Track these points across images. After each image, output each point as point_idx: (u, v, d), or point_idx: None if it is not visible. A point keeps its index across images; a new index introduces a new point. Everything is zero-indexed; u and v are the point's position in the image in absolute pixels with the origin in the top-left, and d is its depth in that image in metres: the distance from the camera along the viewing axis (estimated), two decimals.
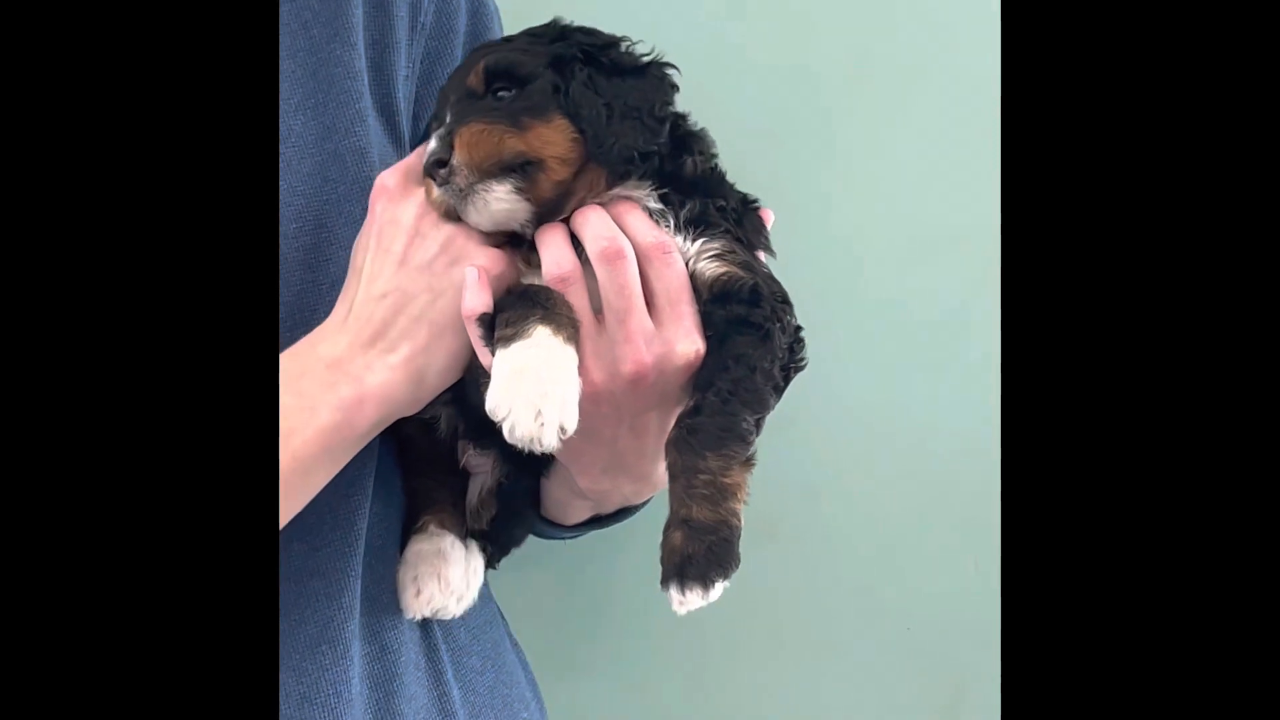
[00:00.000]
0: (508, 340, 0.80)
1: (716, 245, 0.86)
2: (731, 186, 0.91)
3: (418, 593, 0.94)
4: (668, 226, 0.85)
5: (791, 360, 0.87)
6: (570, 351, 0.81)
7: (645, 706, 1.33)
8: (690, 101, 0.92)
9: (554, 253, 0.84)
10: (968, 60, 1.22)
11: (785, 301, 0.87)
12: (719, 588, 0.78)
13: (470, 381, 0.89)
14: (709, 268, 0.85)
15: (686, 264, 0.85)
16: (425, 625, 0.98)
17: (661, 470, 0.85)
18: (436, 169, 0.83)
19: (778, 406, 1.17)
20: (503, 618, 1.10)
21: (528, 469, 1.00)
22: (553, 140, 0.84)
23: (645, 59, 0.89)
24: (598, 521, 1.04)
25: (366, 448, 0.90)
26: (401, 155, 0.97)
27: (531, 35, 0.89)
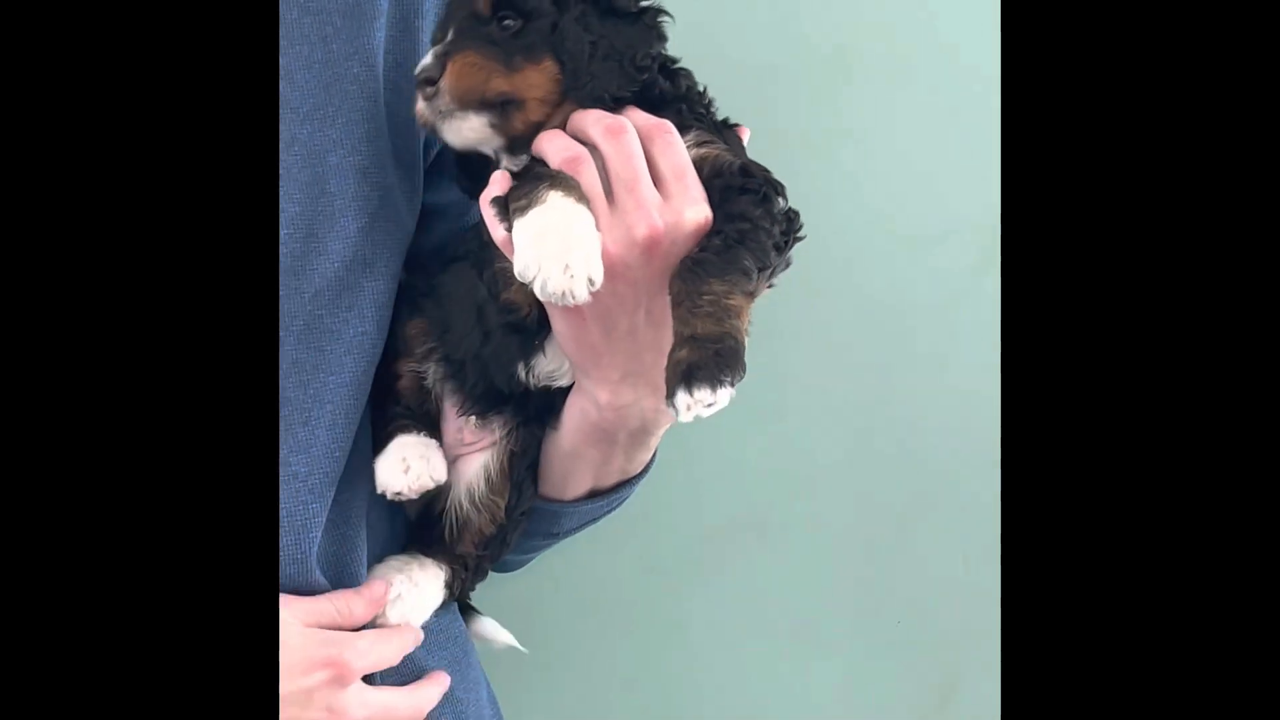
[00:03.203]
0: (523, 210, 0.83)
1: (692, 136, 0.89)
2: (710, 104, 0.93)
3: (406, 469, 0.94)
4: None
5: (790, 229, 0.89)
6: (584, 209, 0.84)
7: (631, 703, 1.34)
8: None
9: (557, 143, 0.87)
10: (966, 49, 1.21)
11: (777, 181, 0.89)
12: (726, 392, 0.76)
13: (472, 339, 0.91)
14: (694, 154, 0.87)
15: None
16: None
17: None
18: (425, 85, 0.86)
19: (765, 401, 1.19)
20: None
21: (538, 419, 1.00)
22: (538, 83, 0.87)
23: (641, 4, 0.91)
24: (594, 499, 1.04)
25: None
26: (414, 180, 0.99)
27: None
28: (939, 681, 1.33)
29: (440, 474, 0.96)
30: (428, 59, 0.87)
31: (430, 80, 0.86)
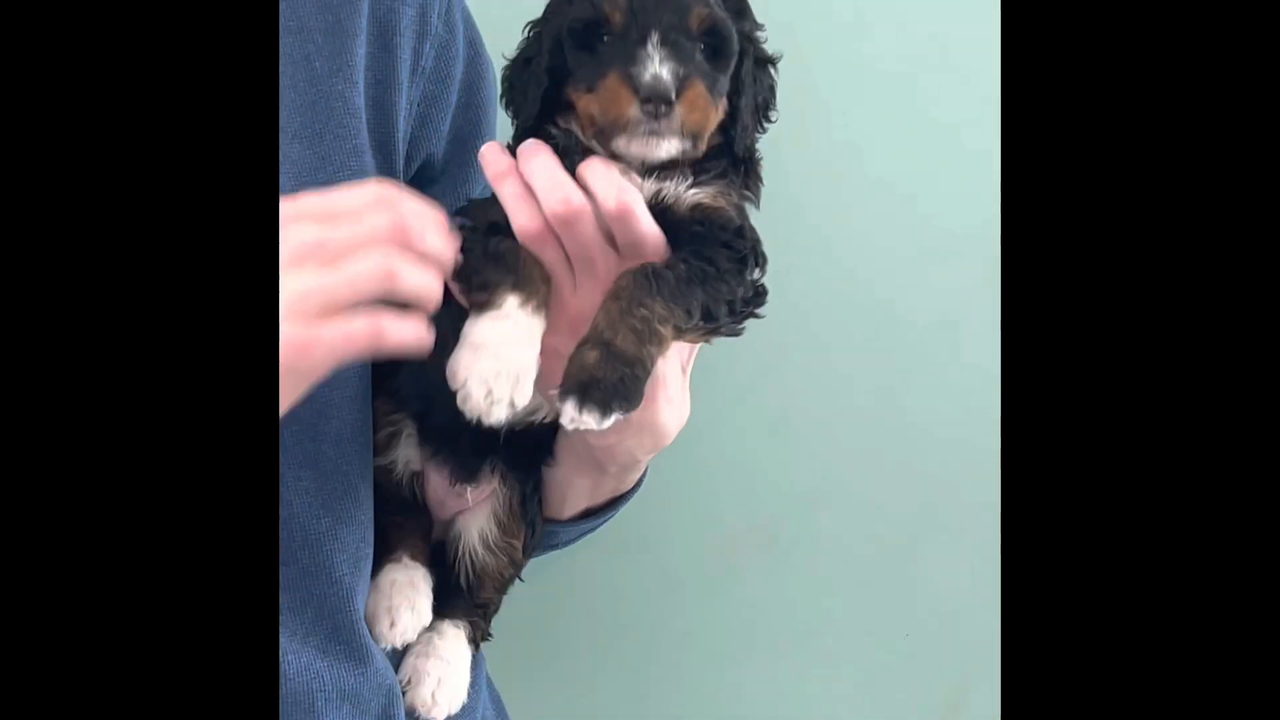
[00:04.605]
0: (479, 308, 0.83)
1: (713, 188, 0.88)
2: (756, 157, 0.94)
3: (392, 624, 0.96)
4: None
5: (753, 299, 0.89)
6: (536, 322, 0.83)
7: (639, 713, 1.35)
8: None
9: (523, 215, 0.85)
10: (968, 65, 1.24)
11: (763, 252, 0.89)
12: (613, 420, 0.78)
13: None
14: (700, 198, 0.88)
15: (677, 203, 0.87)
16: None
17: (663, 417, 0.88)
18: (660, 103, 0.82)
19: (773, 413, 1.24)
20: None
21: (531, 462, 1.01)
22: (715, 122, 0.87)
23: (771, 53, 0.92)
24: (589, 518, 1.06)
25: None
26: None
27: None
28: (947, 693, 1.33)
29: (425, 619, 0.98)
30: (664, 74, 0.82)
31: (668, 101, 0.82)
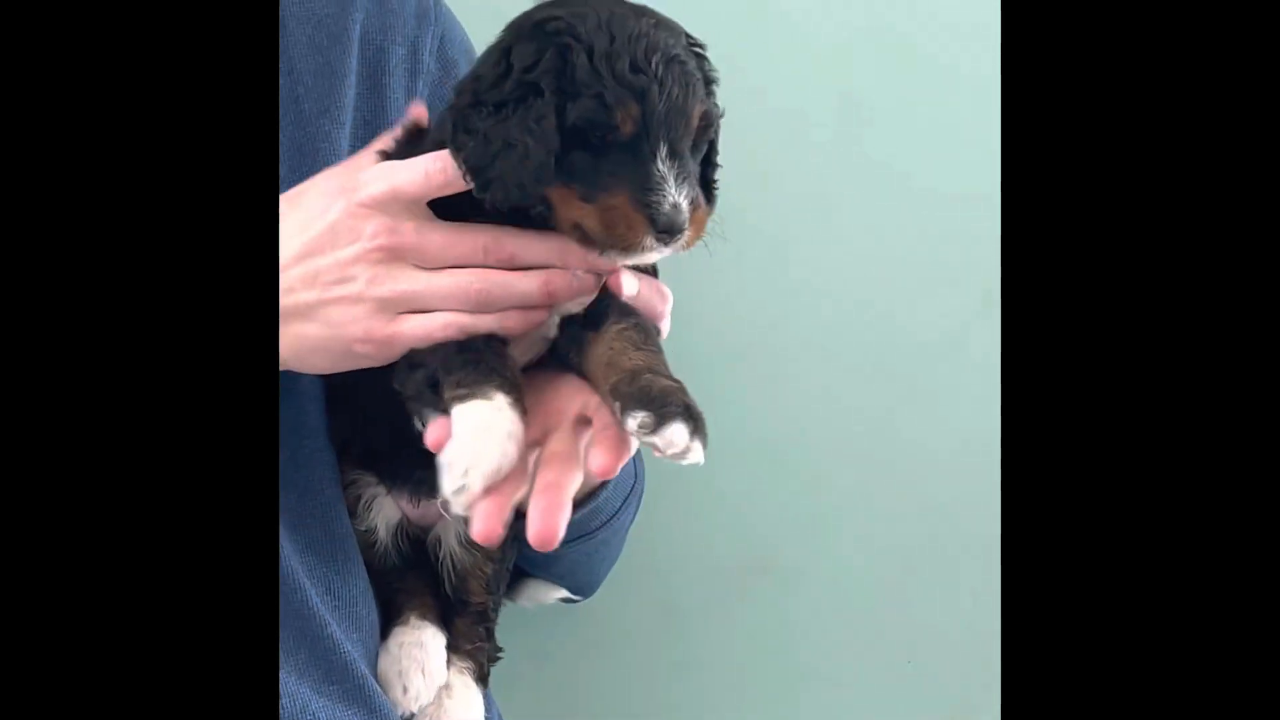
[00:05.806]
0: (464, 398, 0.77)
1: None
2: None
3: (404, 689, 0.97)
4: None
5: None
6: (518, 418, 0.78)
7: None
8: None
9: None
10: (969, 89, 1.25)
11: None
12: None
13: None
14: None
15: None
16: None
17: None
18: (676, 235, 0.79)
19: (772, 439, 1.26)
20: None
21: None
22: None
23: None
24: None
25: None
26: None
27: (704, 70, 0.84)
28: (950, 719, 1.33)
29: (440, 678, 0.98)
30: (682, 204, 0.78)
31: (682, 230, 0.78)
